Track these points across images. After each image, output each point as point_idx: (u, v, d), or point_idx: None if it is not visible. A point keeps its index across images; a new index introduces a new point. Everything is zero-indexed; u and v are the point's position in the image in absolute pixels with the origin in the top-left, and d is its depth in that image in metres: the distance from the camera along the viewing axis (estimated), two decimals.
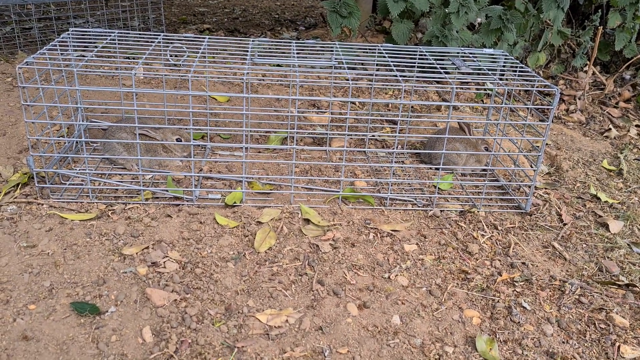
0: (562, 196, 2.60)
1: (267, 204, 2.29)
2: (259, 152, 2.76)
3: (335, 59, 2.37)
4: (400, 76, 2.23)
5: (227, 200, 2.25)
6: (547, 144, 3.13)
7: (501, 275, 1.99)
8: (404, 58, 2.53)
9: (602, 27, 4.01)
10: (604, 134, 3.52)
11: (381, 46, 2.61)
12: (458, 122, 2.74)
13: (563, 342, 1.73)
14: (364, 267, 1.96)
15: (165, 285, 1.77)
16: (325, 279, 1.88)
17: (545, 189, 2.64)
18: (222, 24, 7.67)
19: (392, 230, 2.18)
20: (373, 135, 2.97)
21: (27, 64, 2.06)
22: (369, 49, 2.63)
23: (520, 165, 2.82)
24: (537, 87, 2.36)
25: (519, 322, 1.79)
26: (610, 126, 3.58)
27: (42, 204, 2.12)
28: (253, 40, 2.61)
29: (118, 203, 2.18)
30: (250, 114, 2.76)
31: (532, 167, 2.88)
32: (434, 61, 2.41)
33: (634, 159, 3.09)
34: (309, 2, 12.54)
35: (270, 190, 2.39)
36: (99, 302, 1.68)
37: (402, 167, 2.72)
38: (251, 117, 3.04)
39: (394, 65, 2.37)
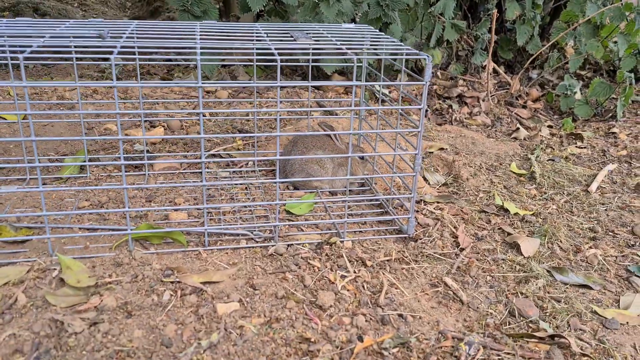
0: (461, 211, 1.93)
1: (17, 259, 1.48)
2: (45, 184, 1.95)
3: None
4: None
5: None
6: (443, 149, 2.49)
7: (362, 341, 1.26)
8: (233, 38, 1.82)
9: (500, 16, 3.51)
10: (512, 135, 2.95)
11: (200, 24, 1.89)
12: (319, 125, 2.05)
13: None
14: (136, 353, 1.18)
15: None
16: None
17: (438, 203, 1.97)
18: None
19: (203, 283, 1.41)
20: (217, 153, 2.23)
21: None
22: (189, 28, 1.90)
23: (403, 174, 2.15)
24: (405, 55, 1.70)
25: None
26: (519, 126, 3.02)
27: None
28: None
29: None
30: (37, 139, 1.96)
31: (427, 180, 2.23)
32: (268, 40, 1.71)
33: (547, 160, 2.50)
34: None
35: (27, 236, 1.58)
36: None
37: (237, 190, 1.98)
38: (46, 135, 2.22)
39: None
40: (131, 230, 1.55)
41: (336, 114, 2.77)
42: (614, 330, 1.38)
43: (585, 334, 1.36)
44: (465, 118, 3.26)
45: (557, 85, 3.91)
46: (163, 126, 2.46)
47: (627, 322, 1.41)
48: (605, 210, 2.05)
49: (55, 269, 1.42)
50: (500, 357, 1.24)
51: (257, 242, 1.65)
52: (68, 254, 1.53)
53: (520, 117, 3.43)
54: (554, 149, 2.71)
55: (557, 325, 1.37)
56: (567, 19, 3.83)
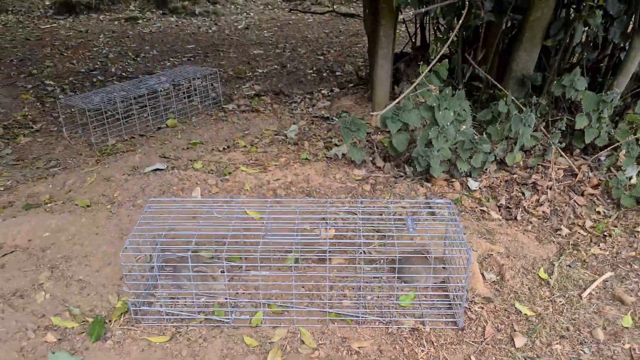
0: (494, 309, 3.58)
1: (279, 324, 3.45)
2: (279, 269, 3.91)
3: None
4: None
5: (252, 322, 3.43)
6: (499, 252, 4.08)
7: None
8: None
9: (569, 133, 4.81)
10: (557, 232, 4.41)
11: (360, 201, 3.67)
12: (420, 249, 3.77)
13: None
14: None
15: None
16: None
17: (482, 303, 3.63)
18: (271, 80, 8.71)
19: (359, 348, 3.27)
20: (363, 252, 4.05)
21: (126, 249, 3.29)
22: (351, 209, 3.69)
23: (474, 275, 3.82)
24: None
25: None
26: (562, 225, 4.45)
27: (137, 329, 3.37)
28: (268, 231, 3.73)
29: (183, 326, 3.40)
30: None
31: (484, 277, 3.89)
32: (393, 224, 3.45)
33: (567, 265, 3.99)
34: (356, 27, 13.45)
35: (282, 310, 3.55)
36: None
37: (377, 284, 3.79)
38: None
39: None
40: (328, 313, 3.45)
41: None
42: None
43: None
44: (533, 208, 4.72)
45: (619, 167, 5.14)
46: (333, 226, 4.31)
47: None
48: (583, 314, 3.57)
49: (298, 333, 3.36)
50: None
51: (384, 323, 3.46)
52: (297, 323, 3.45)
53: (577, 204, 4.80)
54: (580, 250, 4.16)
55: None
56: (632, 119, 5.01)
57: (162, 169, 5.16)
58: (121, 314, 3.47)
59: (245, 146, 5.91)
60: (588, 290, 3.74)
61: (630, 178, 4.85)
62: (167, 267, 3.89)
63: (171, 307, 3.55)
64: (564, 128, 4.85)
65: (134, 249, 3.65)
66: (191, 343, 3.28)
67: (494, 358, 3.24)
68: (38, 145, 6.32)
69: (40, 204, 4.75)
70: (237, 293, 3.71)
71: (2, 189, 5.13)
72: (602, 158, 5.30)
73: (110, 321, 3.41)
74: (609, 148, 5.21)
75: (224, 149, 5.84)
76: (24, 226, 4.27)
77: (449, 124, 4.49)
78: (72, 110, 7.07)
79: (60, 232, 4.21)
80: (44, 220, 4.36)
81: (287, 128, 6.34)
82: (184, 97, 7.25)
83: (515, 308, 3.60)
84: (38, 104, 7.80)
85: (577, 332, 3.43)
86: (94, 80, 8.91)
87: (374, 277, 3.85)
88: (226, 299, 3.61)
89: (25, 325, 3.35)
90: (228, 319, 3.45)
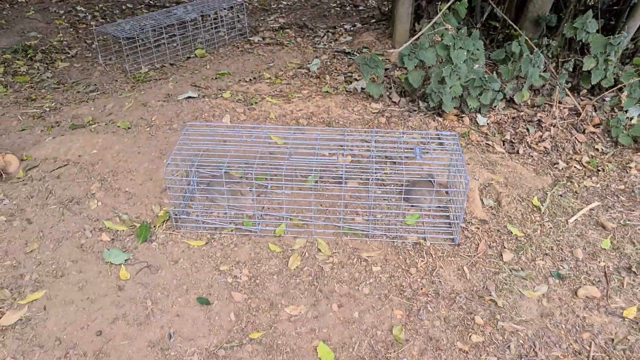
0: (489, 229, 4.06)
1: (299, 235, 3.97)
2: (300, 189, 4.41)
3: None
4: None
5: (276, 232, 3.96)
6: (498, 182, 4.51)
7: (422, 290, 3.59)
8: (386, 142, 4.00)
9: (576, 72, 5.09)
10: (555, 165, 4.81)
11: (375, 131, 4.08)
12: (426, 177, 4.22)
13: (443, 331, 3.35)
14: (346, 281, 3.63)
15: (241, 289, 3.54)
16: (324, 288, 3.57)
17: (478, 224, 4.11)
18: (295, 13, 8.91)
19: (367, 257, 3.80)
20: (376, 176, 4.51)
21: (168, 165, 3.78)
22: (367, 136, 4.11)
23: (473, 201, 4.28)
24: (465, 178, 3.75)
25: (422, 319, 3.41)
26: (560, 159, 4.84)
27: (177, 234, 3.92)
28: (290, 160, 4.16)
29: (216, 233, 3.95)
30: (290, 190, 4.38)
31: (483, 202, 4.35)
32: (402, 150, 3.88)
33: (559, 195, 4.42)
34: None
35: (302, 224, 4.07)
36: (210, 298, 3.48)
37: (386, 205, 4.28)
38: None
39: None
40: (342, 227, 3.96)
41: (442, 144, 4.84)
42: (520, 297, 3.53)
43: (503, 292, 3.54)
44: (535, 143, 5.10)
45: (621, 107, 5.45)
46: (349, 154, 4.75)
47: (529, 297, 3.55)
48: (567, 236, 4.03)
49: (315, 242, 3.89)
50: (470, 304, 3.50)
51: (390, 238, 3.96)
52: (315, 235, 3.97)
53: (577, 141, 5.17)
54: (573, 182, 4.57)
55: (499, 295, 3.55)
56: (638, 62, 5.27)
57: (194, 97, 5.59)
58: (163, 221, 4.02)
59: (270, 78, 6.28)
60: (575, 217, 4.19)
61: (632, 118, 5.18)
62: (202, 183, 4.40)
63: (206, 217, 4.09)
64: (571, 69, 5.14)
65: (174, 166, 4.15)
66: (224, 247, 3.83)
67: (483, 269, 3.75)
68: (75, 71, 6.75)
69: (84, 125, 5.25)
70: (263, 207, 4.22)
71: (48, 109, 5.63)
72: (607, 99, 5.60)
73: (154, 226, 3.96)
74: (614, 89, 5.50)
75: (250, 80, 6.22)
76: (73, 144, 4.79)
77: (462, 62, 4.81)
78: (105, 37, 7.43)
79: (106, 150, 4.73)
80: (90, 139, 4.87)
81: (310, 62, 6.67)
82: (211, 28, 7.56)
83: (507, 229, 4.08)
84: (72, 29, 8.15)
85: (560, 251, 3.90)
86: (123, 7, 9.20)
87: (383, 199, 4.33)
88: (254, 212, 4.13)
89: (83, 226, 3.93)
90: (255, 229, 3.98)
